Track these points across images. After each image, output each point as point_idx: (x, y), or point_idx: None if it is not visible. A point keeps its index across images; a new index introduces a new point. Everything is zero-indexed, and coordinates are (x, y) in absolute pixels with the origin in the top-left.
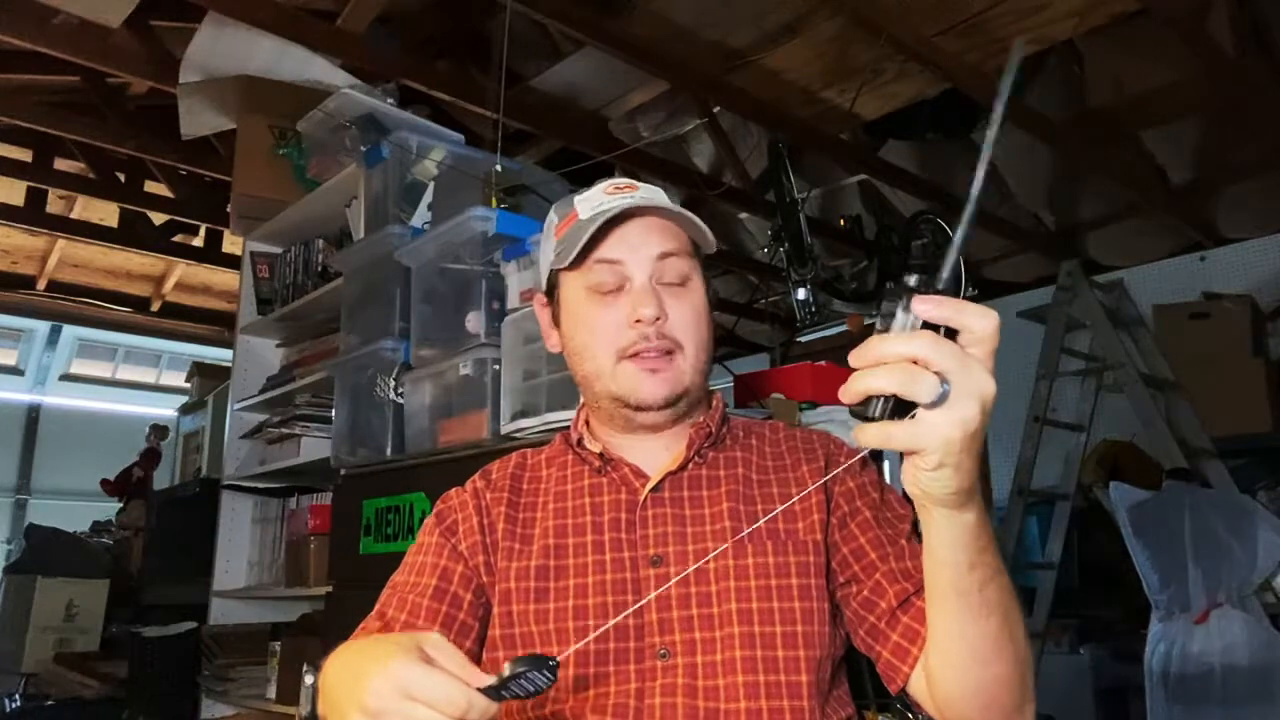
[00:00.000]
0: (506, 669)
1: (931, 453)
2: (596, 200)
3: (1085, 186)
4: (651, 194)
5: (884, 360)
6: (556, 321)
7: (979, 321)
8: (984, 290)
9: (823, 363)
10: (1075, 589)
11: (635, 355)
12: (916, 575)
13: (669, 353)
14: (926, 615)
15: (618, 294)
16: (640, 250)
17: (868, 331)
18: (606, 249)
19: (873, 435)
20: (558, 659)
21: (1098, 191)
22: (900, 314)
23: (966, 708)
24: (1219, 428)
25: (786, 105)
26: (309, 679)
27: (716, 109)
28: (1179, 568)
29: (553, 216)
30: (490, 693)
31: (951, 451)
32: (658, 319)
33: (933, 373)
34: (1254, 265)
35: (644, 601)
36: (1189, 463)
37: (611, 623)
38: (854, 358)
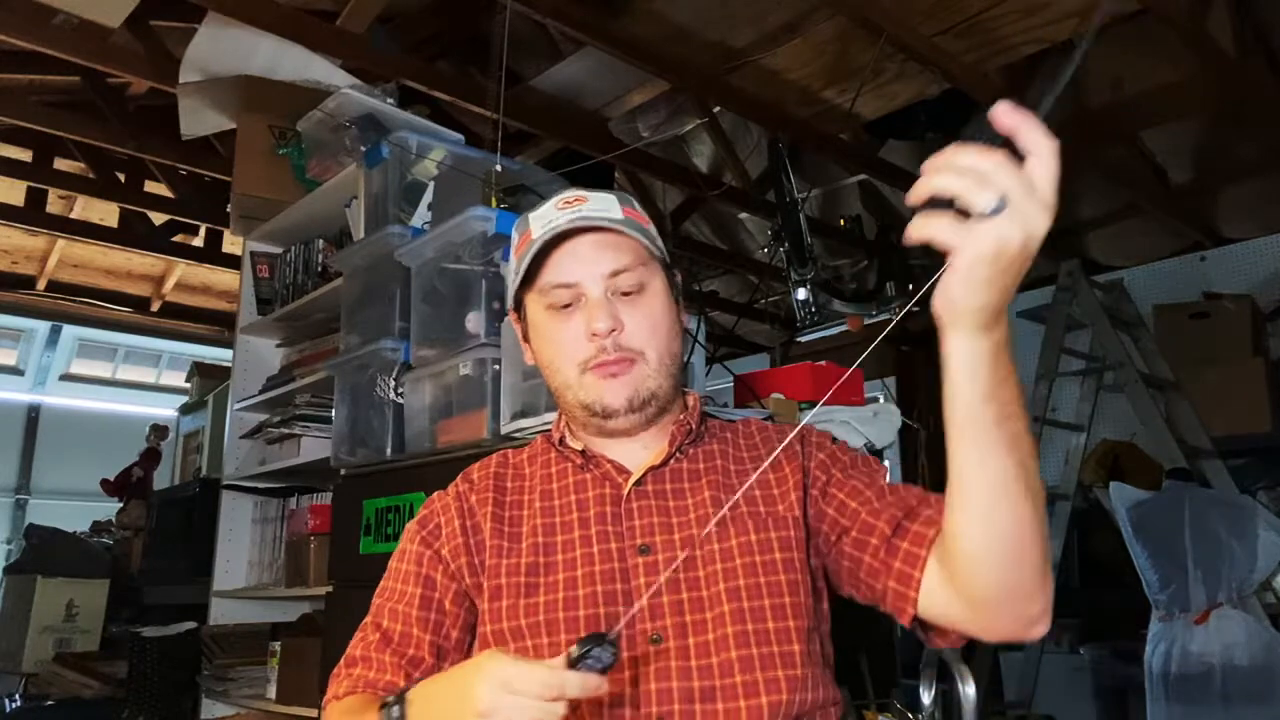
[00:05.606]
0: (573, 652)
1: (964, 253)
2: (548, 217)
3: (1085, 186)
4: (603, 205)
5: (955, 167)
6: (526, 337)
7: (1042, 139)
8: None
9: (823, 363)
10: (1075, 589)
11: (596, 366)
12: (904, 501)
13: (629, 360)
14: (948, 458)
15: (575, 308)
16: (592, 267)
17: (868, 331)
18: (559, 270)
19: (922, 224)
20: (616, 633)
21: (1098, 191)
22: (984, 134)
23: (990, 568)
24: (1219, 428)
25: (786, 105)
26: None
27: (716, 109)
28: (1179, 568)
29: (514, 234)
30: None
31: (984, 261)
32: (613, 331)
33: (995, 191)
34: (1254, 265)
35: (653, 589)
36: (1189, 463)
37: (636, 607)
38: (927, 165)
